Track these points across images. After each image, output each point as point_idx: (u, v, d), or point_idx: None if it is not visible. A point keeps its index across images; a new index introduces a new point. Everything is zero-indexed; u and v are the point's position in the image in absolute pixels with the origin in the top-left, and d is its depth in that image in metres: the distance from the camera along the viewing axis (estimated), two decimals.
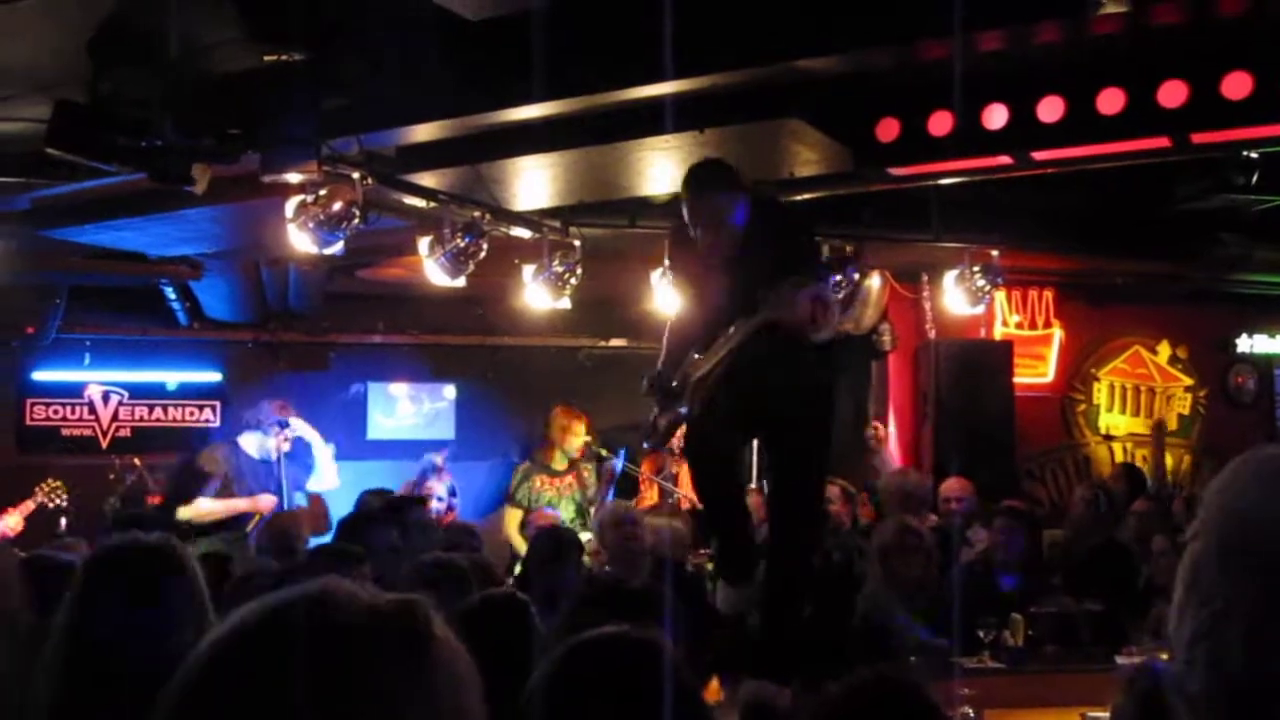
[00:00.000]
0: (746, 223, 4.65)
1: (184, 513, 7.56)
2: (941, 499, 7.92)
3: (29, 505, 7.88)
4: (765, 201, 5.01)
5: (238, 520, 7.63)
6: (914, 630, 5.89)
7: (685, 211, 4.72)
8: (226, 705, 1.11)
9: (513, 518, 8.25)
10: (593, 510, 8.27)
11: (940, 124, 5.56)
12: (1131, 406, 10.68)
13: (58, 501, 8.12)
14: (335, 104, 5.61)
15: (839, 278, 8.24)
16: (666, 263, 5.18)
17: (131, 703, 2.29)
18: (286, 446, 7.84)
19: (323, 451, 8.18)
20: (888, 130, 5.70)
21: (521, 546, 7.66)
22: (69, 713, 2.39)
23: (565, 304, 8.08)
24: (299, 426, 8.01)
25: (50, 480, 8.08)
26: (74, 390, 10.36)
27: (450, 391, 11.00)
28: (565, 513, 8.25)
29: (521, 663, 2.32)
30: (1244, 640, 1.10)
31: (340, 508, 7.66)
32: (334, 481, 8.26)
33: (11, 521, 7.73)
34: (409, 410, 10.98)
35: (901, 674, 3.88)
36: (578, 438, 8.53)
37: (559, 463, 8.48)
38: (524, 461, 8.73)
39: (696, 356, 4.81)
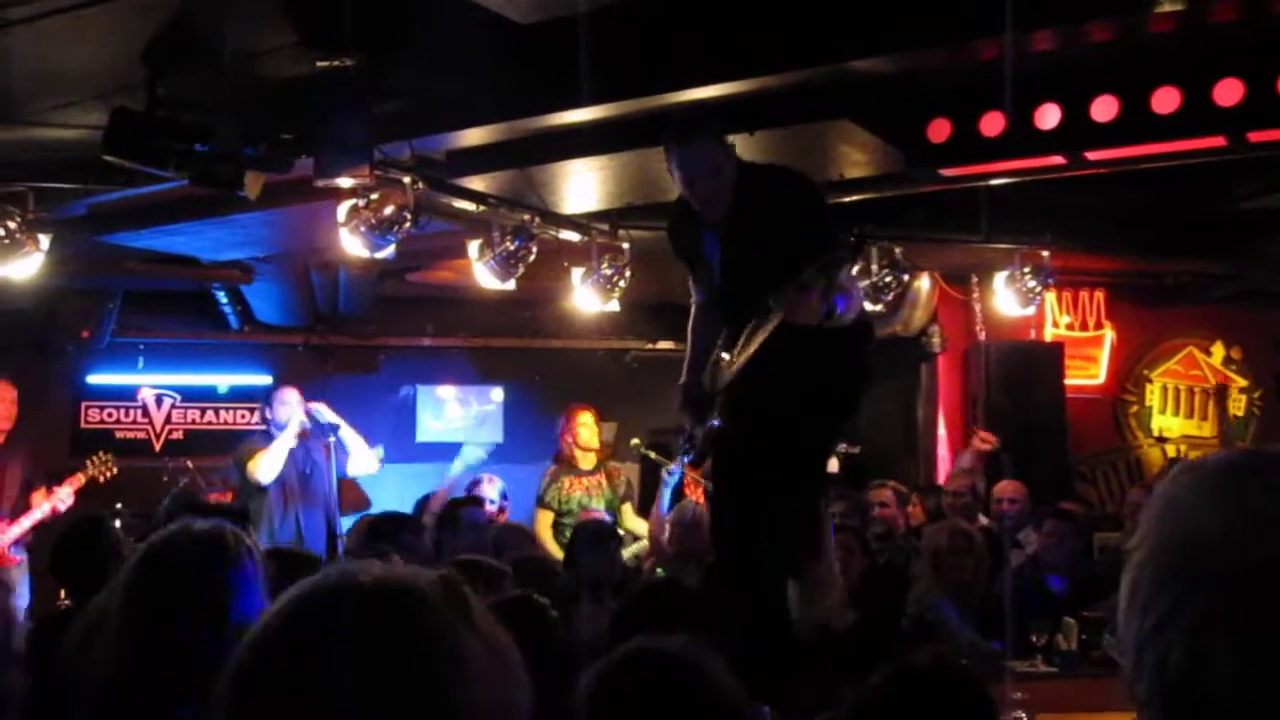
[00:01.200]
0: (743, 186, 4.47)
1: (251, 469, 7.63)
2: (994, 500, 7.87)
3: (79, 478, 8.00)
4: (767, 167, 4.79)
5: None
6: (965, 633, 5.86)
7: (671, 171, 4.56)
8: (272, 688, 1.14)
9: (544, 520, 8.24)
10: (625, 509, 8.25)
11: (992, 124, 5.53)
12: (1185, 408, 10.56)
13: (108, 474, 8.21)
14: (388, 109, 5.65)
15: (883, 274, 8.20)
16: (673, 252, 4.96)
17: (190, 686, 2.33)
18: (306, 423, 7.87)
19: (351, 436, 8.15)
20: (939, 131, 5.67)
21: (554, 549, 7.65)
22: (126, 693, 2.43)
23: (614, 306, 8.09)
24: (320, 410, 8.00)
25: (100, 454, 8.15)
26: (127, 393, 10.47)
27: (498, 394, 11.03)
28: (594, 504, 8.23)
29: (540, 663, 2.34)
30: (1183, 649, 1.11)
31: (396, 507, 7.70)
32: (371, 466, 8.26)
33: (64, 493, 7.85)
34: (458, 413, 11.02)
35: (956, 662, 3.87)
36: (585, 428, 8.48)
37: (586, 462, 8.47)
38: (551, 464, 8.71)
39: (724, 357, 4.67)
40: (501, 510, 8.40)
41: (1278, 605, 1.09)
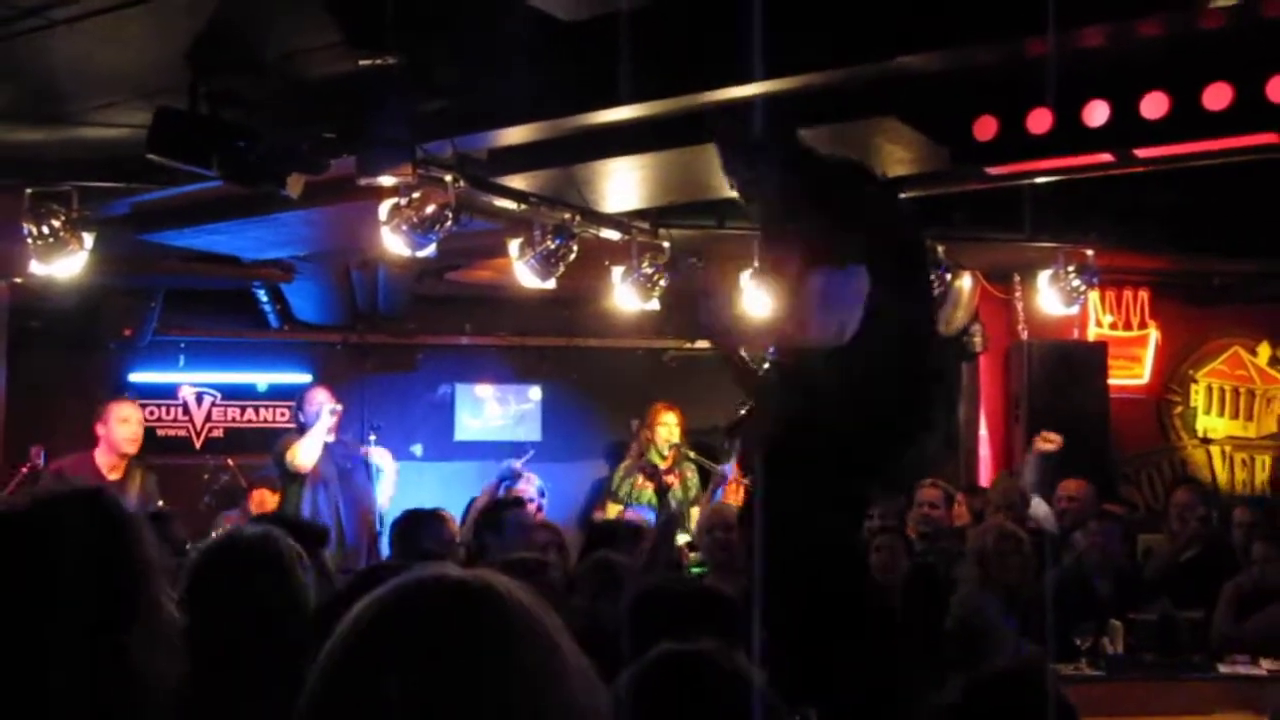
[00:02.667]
0: (788, 183, 4.30)
1: (290, 457, 7.89)
2: (1057, 498, 7.80)
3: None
4: (803, 155, 4.50)
5: None
6: (1010, 635, 5.81)
7: None
8: (362, 691, 1.13)
9: (612, 513, 8.28)
10: (693, 512, 8.26)
11: (1039, 121, 5.46)
12: (1230, 409, 10.44)
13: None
14: (430, 107, 5.64)
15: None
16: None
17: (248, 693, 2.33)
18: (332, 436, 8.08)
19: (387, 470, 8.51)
20: (985, 128, 5.61)
21: None
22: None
23: (653, 305, 8.07)
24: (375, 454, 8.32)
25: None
26: (169, 391, 10.54)
27: (536, 393, 11.04)
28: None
29: None
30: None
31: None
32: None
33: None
34: (496, 412, 11.03)
35: (1039, 670, 3.82)
36: (665, 428, 8.53)
37: (653, 457, 8.50)
38: (625, 459, 8.76)
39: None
40: (539, 509, 8.42)
41: None
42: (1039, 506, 7.82)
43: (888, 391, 4.16)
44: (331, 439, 8.11)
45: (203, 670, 2.41)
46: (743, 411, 4.54)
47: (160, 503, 7.71)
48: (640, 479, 8.33)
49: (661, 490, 7.98)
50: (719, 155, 4.52)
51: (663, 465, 8.45)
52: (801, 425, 4.14)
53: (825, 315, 4.00)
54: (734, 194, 4.58)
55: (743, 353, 4.44)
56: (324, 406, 8.05)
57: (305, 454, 7.91)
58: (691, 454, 9.00)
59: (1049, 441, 8.33)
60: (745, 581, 5.46)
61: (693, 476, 8.60)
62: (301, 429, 8.17)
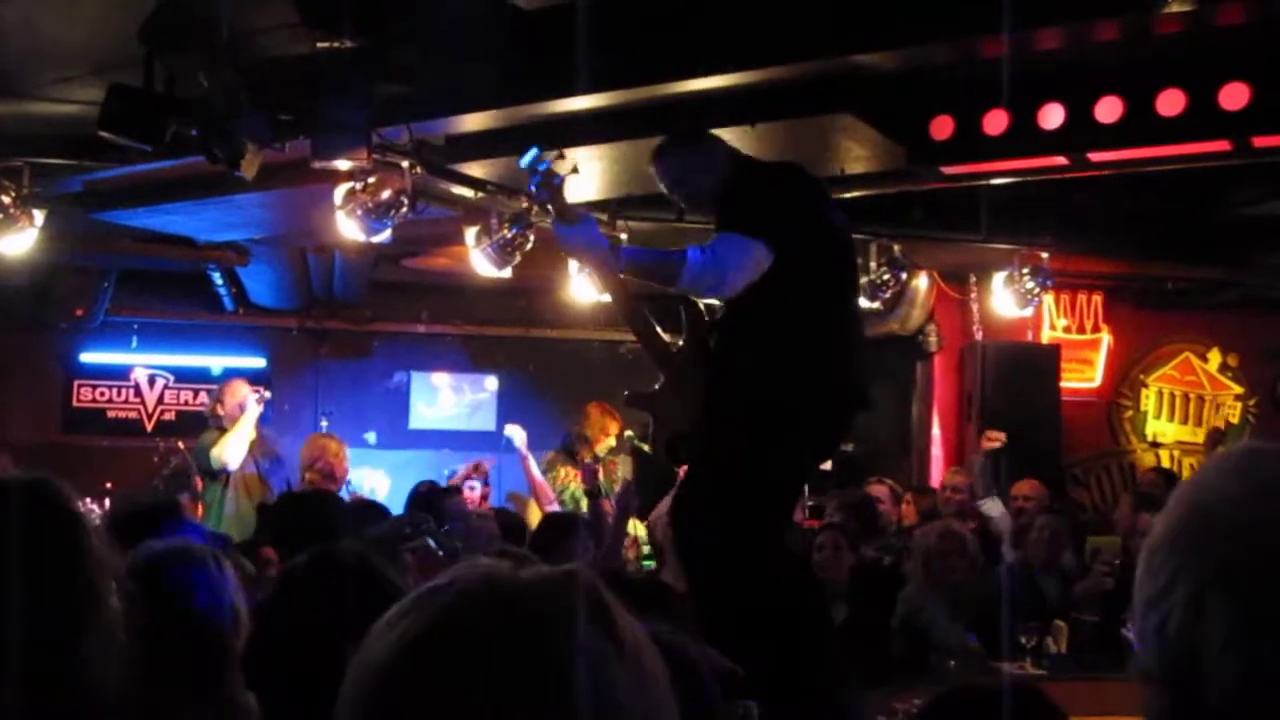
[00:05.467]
0: (729, 188, 4.32)
1: (217, 454, 7.57)
2: (1012, 497, 7.87)
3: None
4: (755, 165, 4.53)
5: None
6: (956, 633, 5.84)
7: None
8: (414, 697, 1.08)
9: (535, 507, 8.24)
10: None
11: (995, 123, 5.49)
12: (1180, 414, 10.55)
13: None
14: (387, 91, 5.60)
15: (881, 272, 8.13)
16: None
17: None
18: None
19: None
20: (942, 128, 5.64)
21: None
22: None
23: (610, 297, 8.04)
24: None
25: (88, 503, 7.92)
26: (120, 373, 10.45)
27: (492, 383, 11.01)
28: (586, 505, 8.19)
29: None
30: (1183, 608, 1.15)
31: (392, 495, 7.70)
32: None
33: None
34: (451, 400, 11.00)
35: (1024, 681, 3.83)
36: (610, 438, 8.51)
37: (587, 456, 8.46)
38: (551, 451, 8.69)
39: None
40: (484, 497, 8.40)
41: (1270, 564, 1.11)
42: (993, 506, 7.88)
43: (813, 406, 4.21)
44: (254, 435, 7.78)
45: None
46: (656, 385, 4.58)
47: None
48: (564, 472, 8.30)
49: (593, 486, 7.93)
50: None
51: (589, 459, 8.42)
52: (725, 421, 4.19)
53: (707, 263, 4.07)
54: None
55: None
56: (249, 398, 7.75)
57: (232, 451, 7.55)
58: (645, 447, 8.97)
59: (993, 440, 8.40)
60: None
61: (622, 471, 8.57)
62: (216, 421, 7.83)
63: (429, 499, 6.41)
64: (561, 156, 4.55)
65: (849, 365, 4.32)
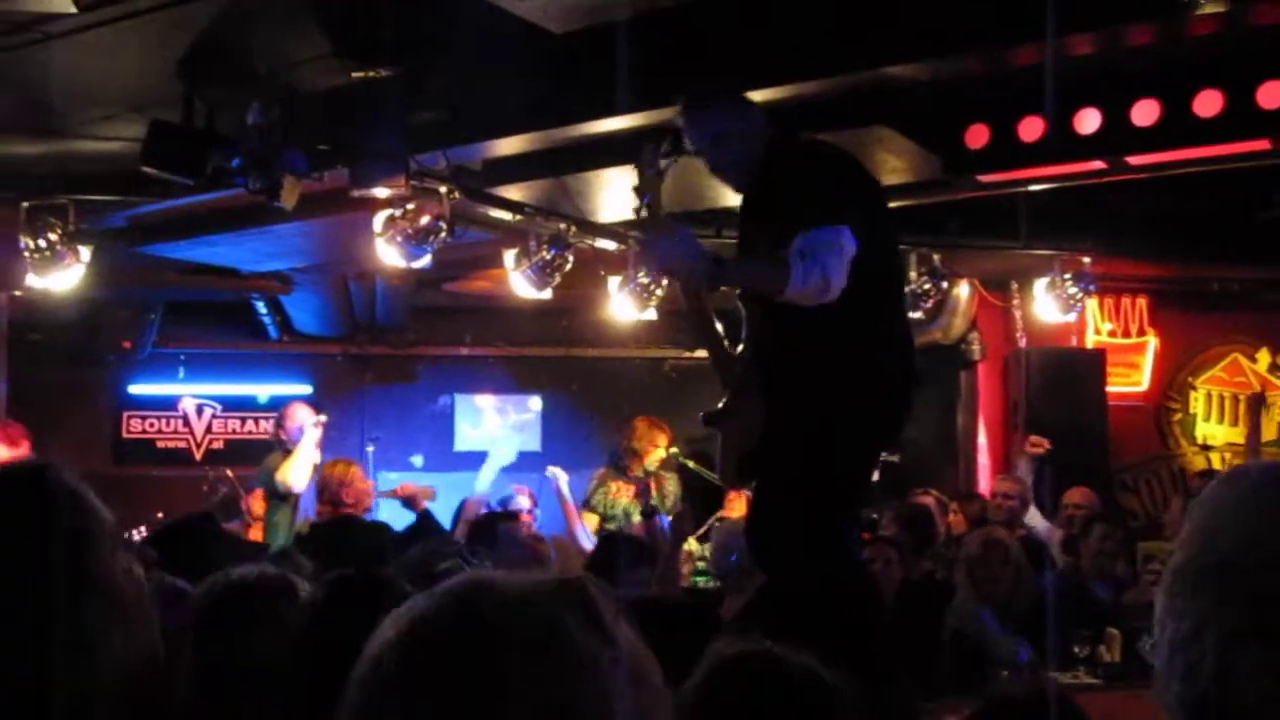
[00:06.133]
0: (770, 160, 4.13)
1: (282, 478, 7.60)
2: (1063, 505, 7.80)
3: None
4: (800, 141, 4.36)
5: None
6: (1007, 644, 5.79)
7: None
8: (399, 701, 1.11)
9: (589, 523, 8.25)
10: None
11: (1031, 129, 5.48)
12: (1230, 415, 10.42)
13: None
14: (423, 118, 5.66)
15: (922, 281, 8.10)
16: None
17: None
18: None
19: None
20: (977, 137, 5.63)
21: None
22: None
23: (651, 315, 8.07)
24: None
25: (140, 533, 7.88)
26: (169, 403, 10.56)
27: (536, 403, 11.05)
28: (637, 519, 8.19)
29: None
30: (1216, 656, 1.14)
31: (443, 517, 7.72)
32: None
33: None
34: (495, 422, 11.04)
35: (1049, 689, 3.79)
36: (660, 450, 8.50)
37: (637, 470, 8.47)
38: (601, 468, 8.71)
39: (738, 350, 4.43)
40: (531, 519, 8.42)
41: None
42: (1032, 515, 7.82)
43: (878, 396, 4.14)
44: (318, 457, 7.82)
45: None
46: (724, 402, 4.46)
47: None
48: (615, 488, 8.30)
49: (646, 502, 7.91)
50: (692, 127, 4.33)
51: (639, 475, 8.42)
52: (794, 425, 4.08)
53: (811, 269, 3.80)
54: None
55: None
56: (307, 421, 7.86)
57: (297, 473, 7.62)
58: (690, 463, 8.98)
59: (1037, 446, 8.33)
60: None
61: (671, 486, 8.56)
62: (281, 445, 7.92)
63: (484, 524, 6.46)
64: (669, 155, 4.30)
65: (909, 350, 4.27)
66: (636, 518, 8.09)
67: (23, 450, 7.34)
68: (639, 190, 4.24)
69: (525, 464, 10.13)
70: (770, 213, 4.10)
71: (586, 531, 8.11)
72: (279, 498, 7.72)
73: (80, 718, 1.36)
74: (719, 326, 4.46)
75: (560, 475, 8.45)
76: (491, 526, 6.34)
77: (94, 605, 1.39)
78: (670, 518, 7.91)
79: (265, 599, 2.57)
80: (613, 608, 1.18)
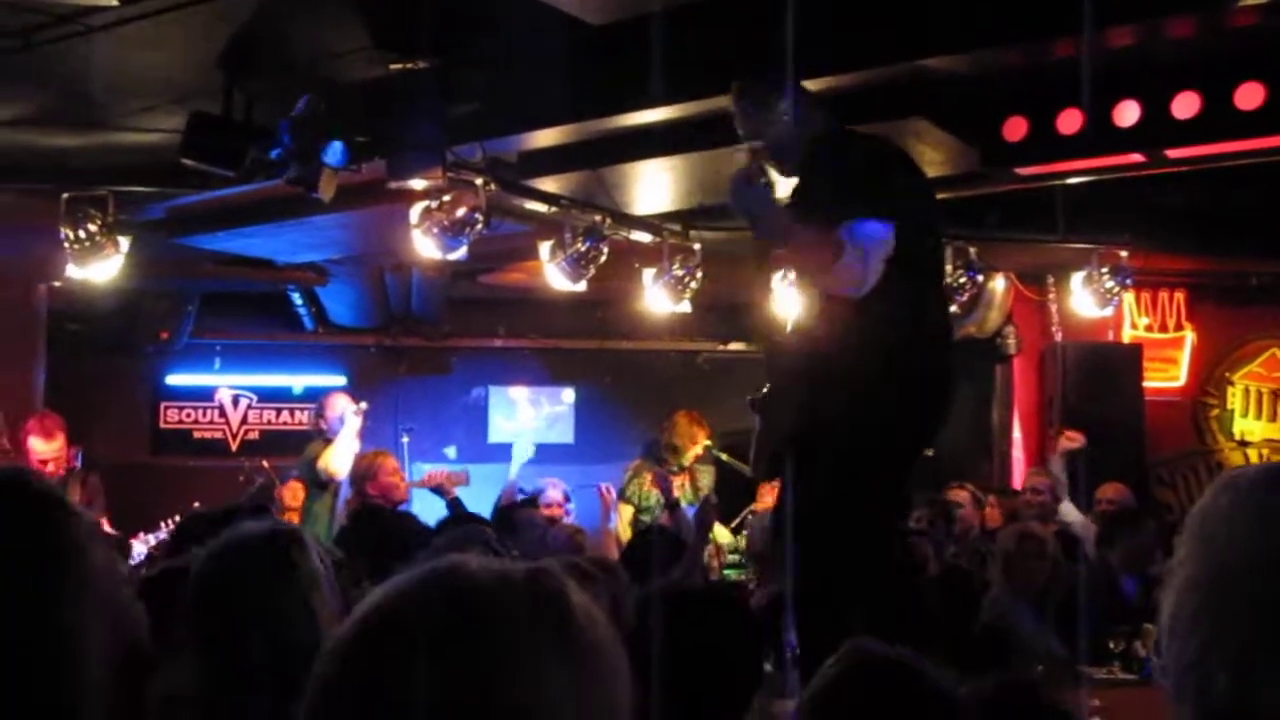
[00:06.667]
0: (815, 149, 4.19)
1: (324, 465, 7.66)
2: (1096, 500, 7.77)
3: (150, 540, 7.69)
4: (844, 133, 4.37)
5: None
6: (1041, 637, 5.78)
7: None
8: (364, 695, 1.11)
9: (624, 514, 8.27)
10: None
11: (1069, 122, 5.43)
12: (1269, 411, 10.33)
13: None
14: (460, 111, 5.68)
15: (958, 275, 8.05)
16: None
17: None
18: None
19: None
20: (1015, 129, 5.59)
21: None
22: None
23: (685, 308, 8.07)
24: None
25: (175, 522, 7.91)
26: (205, 394, 10.65)
27: (570, 395, 11.08)
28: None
29: None
30: (1230, 674, 1.11)
31: (476, 507, 7.75)
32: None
33: (138, 549, 7.71)
34: (529, 414, 11.08)
35: (1028, 680, 3.78)
36: (698, 446, 8.52)
37: (674, 465, 8.48)
38: (636, 459, 8.73)
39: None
40: (565, 513, 8.44)
41: None
42: (1068, 510, 7.78)
43: (919, 384, 4.12)
44: (358, 445, 7.89)
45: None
46: (765, 390, 4.47)
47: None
48: (648, 480, 8.31)
49: (668, 495, 7.93)
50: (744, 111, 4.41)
51: (674, 467, 8.44)
52: (831, 418, 4.08)
53: (851, 259, 3.88)
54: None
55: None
56: (347, 410, 7.93)
57: (339, 461, 7.69)
58: (724, 456, 8.99)
59: (1072, 440, 8.28)
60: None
61: (706, 480, 8.57)
62: (321, 435, 8.01)
63: (505, 512, 6.50)
64: None
65: (946, 352, 4.25)
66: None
67: (58, 443, 7.41)
68: (744, 135, 4.29)
69: (559, 456, 10.19)
70: (814, 201, 4.11)
71: (611, 544, 8.13)
72: (319, 486, 7.79)
73: (67, 713, 1.37)
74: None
75: (609, 493, 8.52)
76: (511, 515, 6.37)
77: (77, 600, 1.40)
78: (698, 508, 7.93)
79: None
80: (587, 598, 1.18)
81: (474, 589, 1.14)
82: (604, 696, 1.15)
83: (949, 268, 8.10)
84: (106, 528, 7.50)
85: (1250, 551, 1.14)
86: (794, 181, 4.29)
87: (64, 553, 1.41)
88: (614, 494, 8.34)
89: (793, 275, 4.27)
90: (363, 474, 7.53)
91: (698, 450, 8.49)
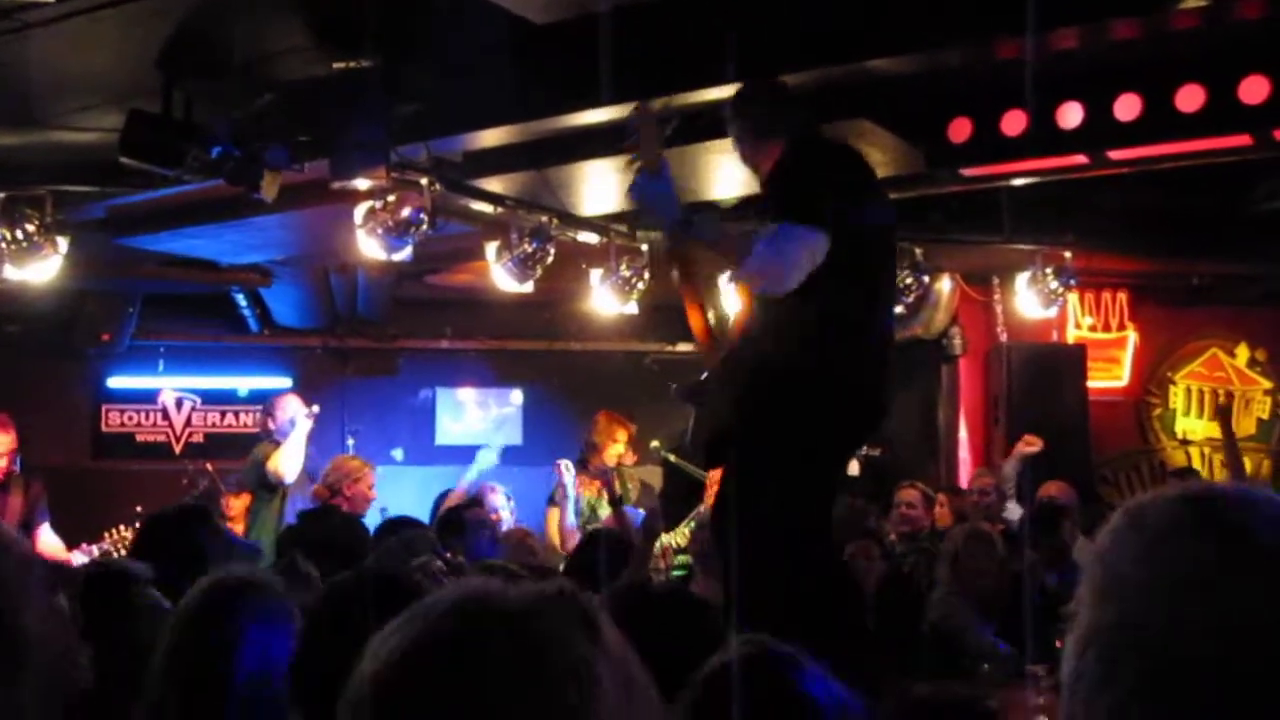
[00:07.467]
0: (780, 160, 4.19)
1: (273, 468, 7.55)
2: (1039, 499, 7.81)
3: (94, 551, 7.51)
4: (805, 142, 4.33)
5: None
6: (987, 637, 5.80)
7: None
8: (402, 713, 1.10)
9: (553, 518, 8.24)
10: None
11: (1013, 123, 5.48)
12: (1210, 410, 10.46)
13: (122, 552, 7.93)
14: (404, 110, 5.63)
15: (904, 276, 8.08)
16: None
17: None
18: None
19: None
20: (960, 130, 5.63)
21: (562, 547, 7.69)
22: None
23: (632, 309, 8.06)
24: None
25: (121, 530, 7.66)
26: (148, 396, 10.52)
27: (517, 396, 11.04)
28: (603, 512, 8.19)
29: None
30: (1137, 712, 1.09)
31: (415, 510, 7.69)
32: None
33: (79, 560, 7.56)
34: (477, 415, 11.03)
35: (961, 690, 3.79)
36: (618, 445, 8.49)
37: (597, 465, 8.48)
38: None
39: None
40: (509, 514, 8.42)
41: (1192, 672, 1.06)
42: (1013, 509, 7.83)
43: (850, 389, 4.11)
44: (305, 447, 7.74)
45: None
46: (701, 377, 4.43)
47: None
48: (579, 480, 8.28)
49: (612, 492, 7.90)
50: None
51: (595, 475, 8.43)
52: (759, 414, 4.07)
53: (770, 256, 3.90)
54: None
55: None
56: (299, 413, 7.82)
57: (288, 464, 7.55)
58: (672, 457, 8.98)
59: (1031, 444, 8.34)
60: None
61: (631, 483, 8.58)
62: (269, 436, 7.88)
63: (451, 515, 6.46)
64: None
65: (884, 363, 4.26)
66: (603, 510, 8.09)
67: (10, 438, 7.23)
68: (634, 126, 4.26)
69: (508, 457, 10.12)
70: (769, 204, 4.14)
71: (636, 512, 8.08)
72: (268, 489, 7.67)
73: None
74: (702, 292, 4.50)
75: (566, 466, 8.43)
76: (459, 517, 6.32)
77: (11, 682, 1.31)
78: (640, 510, 7.92)
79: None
80: (605, 615, 1.18)
81: (523, 613, 1.13)
82: (643, 703, 1.16)
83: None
84: (50, 534, 7.41)
85: (1145, 605, 1.10)
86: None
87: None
88: (571, 472, 8.27)
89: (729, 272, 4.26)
90: (346, 475, 7.45)
91: (618, 449, 8.46)
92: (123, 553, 7.26)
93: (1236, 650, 1.06)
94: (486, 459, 8.67)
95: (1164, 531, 1.14)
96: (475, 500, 7.41)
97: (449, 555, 5.24)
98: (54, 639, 1.40)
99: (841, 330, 4.07)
